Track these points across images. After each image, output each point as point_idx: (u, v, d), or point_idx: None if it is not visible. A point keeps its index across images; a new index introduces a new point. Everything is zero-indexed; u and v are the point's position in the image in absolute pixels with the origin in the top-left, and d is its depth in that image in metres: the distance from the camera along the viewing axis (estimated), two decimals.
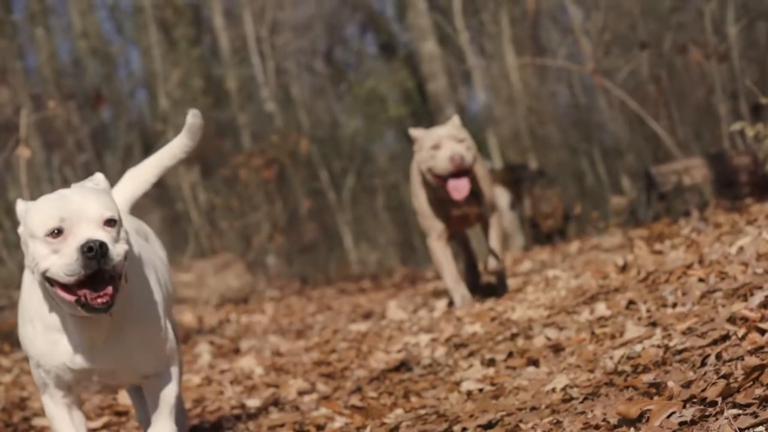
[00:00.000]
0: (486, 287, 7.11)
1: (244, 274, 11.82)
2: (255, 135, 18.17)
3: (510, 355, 4.72)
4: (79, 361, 3.29)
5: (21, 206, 3.27)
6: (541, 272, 7.35)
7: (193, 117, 3.97)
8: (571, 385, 3.86)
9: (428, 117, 16.55)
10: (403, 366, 5.16)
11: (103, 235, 3.11)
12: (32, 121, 11.76)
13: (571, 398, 3.71)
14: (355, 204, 18.77)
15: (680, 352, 3.81)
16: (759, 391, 3.04)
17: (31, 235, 3.17)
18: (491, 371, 4.55)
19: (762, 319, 3.73)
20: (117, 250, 3.12)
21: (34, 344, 3.34)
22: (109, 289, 3.10)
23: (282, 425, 4.41)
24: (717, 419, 3.00)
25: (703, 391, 3.19)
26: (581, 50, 14.86)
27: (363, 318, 7.61)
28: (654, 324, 4.39)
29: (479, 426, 3.68)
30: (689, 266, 5.13)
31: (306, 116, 19.22)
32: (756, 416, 2.92)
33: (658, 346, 3.96)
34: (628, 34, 15.88)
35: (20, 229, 3.25)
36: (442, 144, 6.31)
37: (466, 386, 4.32)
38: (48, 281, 3.15)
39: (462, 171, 6.26)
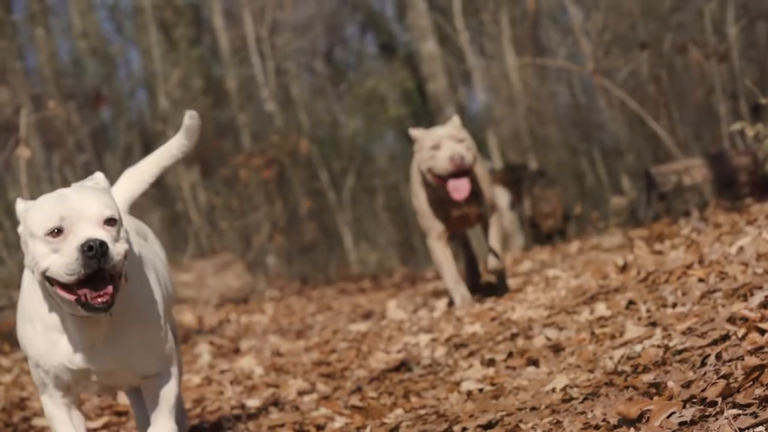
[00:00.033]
0: (486, 287, 7.10)
1: (244, 274, 11.81)
2: (255, 135, 18.15)
3: (510, 355, 4.72)
4: (78, 361, 3.29)
5: (21, 206, 3.27)
6: (541, 272, 7.35)
7: (190, 119, 3.97)
8: (571, 385, 3.86)
9: (428, 117, 16.55)
10: (403, 366, 5.16)
11: (103, 234, 3.11)
12: (32, 121, 11.76)
13: (571, 398, 3.71)
14: (355, 204, 18.75)
15: (680, 352, 3.81)
16: (759, 391, 3.04)
17: (31, 235, 3.16)
18: (491, 371, 4.55)
19: (762, 319, 3.73)
20: (117, 250, 3.12)
21: (33, 344, 3.34)
22: (110, 289, 3.09)
23: (282, 425, 4.40)
24: (717, 419, 3.00)
25: (703, 391, 3.19)
26: (581, 50, 14.84)
27: (363, 318, 7.60)
28: (654, 324, 4.38)
29: (479, 426, 3.68)
30: (689, 266, 5.13)
31: (306, 116, 19.20)
32: (756, 416, 2.92)
33: (658, 346, 3.96)
34: (628, 34, 15.87)
35: (20, 229, 3.24)
36: (442, 144, 6.30)
37: (466, 386, 4.32)
38: (48, 281, 3.14)
39: (462, 171, 6.26)
